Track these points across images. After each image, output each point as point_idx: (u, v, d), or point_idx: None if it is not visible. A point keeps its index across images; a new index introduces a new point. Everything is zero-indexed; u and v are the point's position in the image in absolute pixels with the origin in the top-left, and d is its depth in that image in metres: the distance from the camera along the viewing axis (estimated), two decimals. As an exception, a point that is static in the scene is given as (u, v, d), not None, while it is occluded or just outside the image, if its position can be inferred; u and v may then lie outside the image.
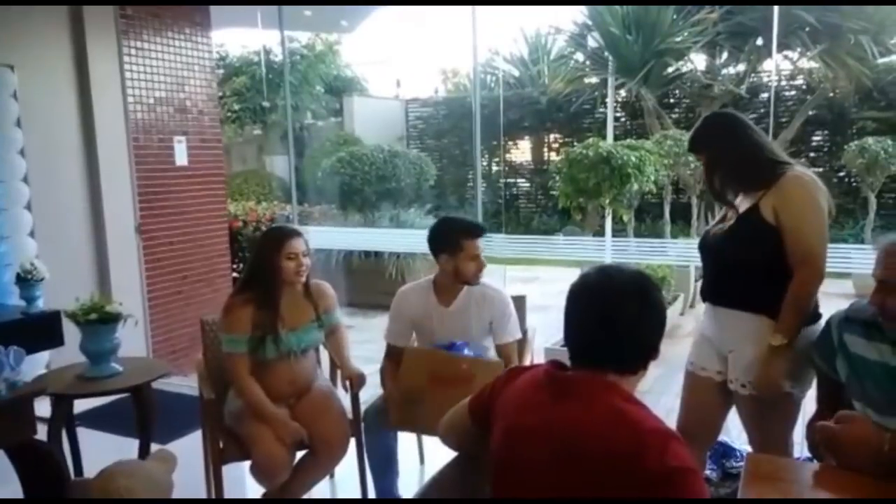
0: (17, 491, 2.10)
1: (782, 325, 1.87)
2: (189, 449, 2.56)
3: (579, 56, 8.43)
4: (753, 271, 1.93)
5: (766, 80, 8.24)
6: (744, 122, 2.01)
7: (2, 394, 1.91)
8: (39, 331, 2.85)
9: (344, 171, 7.99)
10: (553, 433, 1.21)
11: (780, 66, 7.82)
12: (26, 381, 2.07)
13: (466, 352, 2.35)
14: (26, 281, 2.94)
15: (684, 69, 7.70)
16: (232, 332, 2.34)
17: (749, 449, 2.18)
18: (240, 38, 11.14)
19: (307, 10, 5.98)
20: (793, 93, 8.49)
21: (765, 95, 8.27)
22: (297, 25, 7.66)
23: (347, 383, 2.44)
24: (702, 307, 2.21)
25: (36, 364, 3.22)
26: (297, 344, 2.39)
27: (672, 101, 9.06)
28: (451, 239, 2.40)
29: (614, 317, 1.23)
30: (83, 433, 2.80)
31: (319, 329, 2.48)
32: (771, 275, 1.90)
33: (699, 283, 5.26)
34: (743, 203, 1.99)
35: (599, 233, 4.71)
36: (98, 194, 4.15)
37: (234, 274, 5.01)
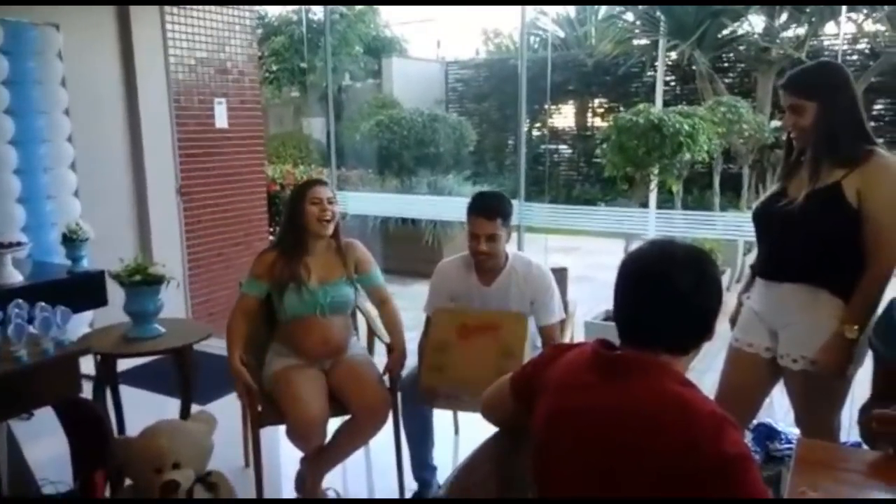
0: (63, 445, 2.15)
1: (855, 316, 1.81)
2: (227, 410, 2.60)
3: (629, 16, 8.10)
4: (823, 248, 1.85)
5: (827, 43, 7.81)
6: (853, 83, 1.89)
7: (49, 352, 1.94)
8: (84, 290, 2.89)
9: (382, 135, 7.93)
10: (601, 415, 1.17)
11: (843, 29, 7.40)
12: (72, 339, 2.11)
13: None
14: (72, 241, 2.98)
15: (741, 31, 7.35)
16: (251, 276, 2.43)
17: (794, 431, 2.12)
18: (279, -3, 11.02)
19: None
20: (855, 57, 8.05)
21: (823, 59, 7.84)
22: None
23: (393, 355, 2.43)
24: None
25: (80, 322, 3.30)
26: (324, 297, 2.38)
27: (726, 64, 8.66)
28: (467, 213, 2.35)
29: (668, 294, 1.18)
30: (125, 391, 2.87)
31: (350, 285, 2.46)
32: (840, 253, 1.83)
33: (747, 258, 5.12)
34: (822, 177, 1.86)
35: (645, 204, 4.57)
36: (140, 155, 4.19)
37: (272, 238, 5.04)
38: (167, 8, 4.24)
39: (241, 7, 4.74)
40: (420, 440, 2.43)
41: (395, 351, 2.44)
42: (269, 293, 2.44)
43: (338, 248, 2.48)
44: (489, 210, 2.30)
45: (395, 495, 2.53)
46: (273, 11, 11.17)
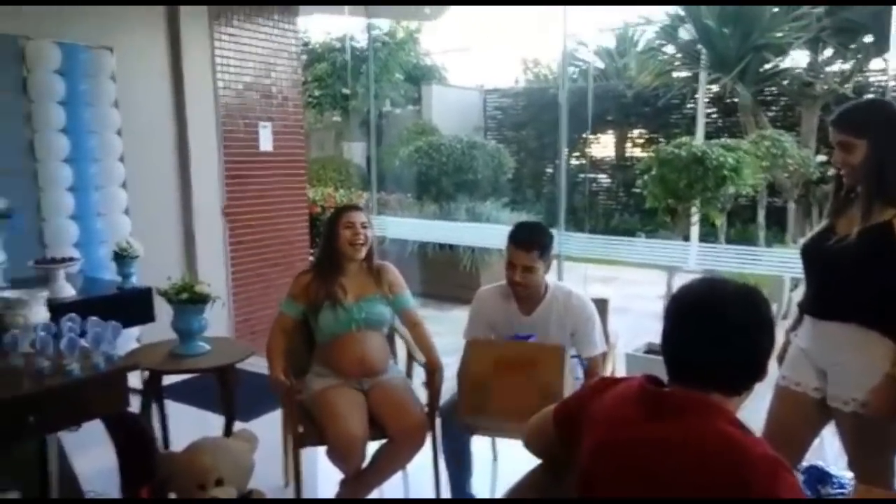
0: (109, 457, 2.18)
1: None
2: (267, 428, 2.61)
3: (670, 48, 8.10)
4: (873, 287, 1.80)
5: (873, 79, 7.68)
6: None
7: (100, 366, 1.97)
8: (133, 306, 2.96)
9: (421, 161, 8.00)
10: (649, 450, 1.15)
11: (890, 65, 7.27)
12: (121, 354, 2.14)
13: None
14: (122, 258, 3.06)
15: (783, 65, 7.28)
16: (288, 296, 2.53)
17: (848, 475, 2.04)
18: (322, 25, 11.31)
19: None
20: (902, 93, 7.89)
21: (870, 96, 7.70)
22: (381, 13, 7.71)
23: (434, 376, 2.44)
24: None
25: (128, 337, 3.37)
26: (358, 312, 2.43)
27: (769, 98, 8.57)
28: (507, 241, 2.35)
29: (721, 333, 1.16)
30: (170, 406, 2.91)
31: (385, 304, 2.51)
32: (891, 293, 1.78)
33: (794, 294, 5.00)
34: (873, 216, 1.82)
35: (687, 236, 4.51)
36: (188, 175, 4.30)
37: (312, 258, 5.10)
38: (216, 33, 4.37)
39: (287, 33, 4.87)
40: (459, 467, 2.40)
41: (433, 369, 2.45)
42: (307, 316, 2.50)
43: (370, 269, 2.54)
44: (526, 242, 2.30)
45: (433, 522, 2.51)
46: (317, 38, 11.46)
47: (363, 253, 2.49)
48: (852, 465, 1.94)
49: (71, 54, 3.59)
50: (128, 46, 3.92)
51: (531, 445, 1.51)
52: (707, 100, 7.89)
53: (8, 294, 2.27)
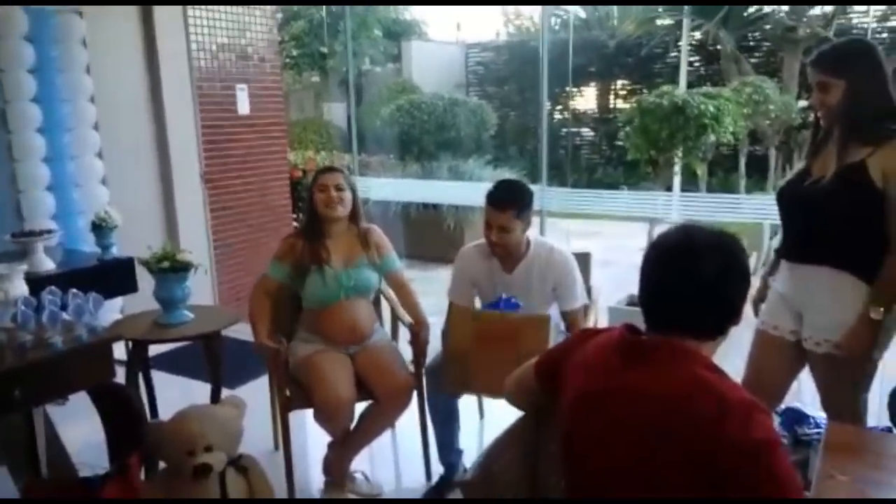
0: (98, 429, 2.20)
1: (881, 298, 1.78)
2: (255, 394, 2.64)
3: (653, -5, 7.98)
4: (847, 231, 1.82)
5: (855, 21, 7.61)
6: (885, 62, 1.84)
7: (83, 338, 1.97)
8: (114, 277, 2.94)
9: (402, 120, 7.90)
10: (629, 398, 1.17)
11: (872, 6, 7.20)
12: (104, 325, 2.14)
13: (505, 306, 2.25)
14: (101, 228, 3.03)
15: (767, 9, 7.20)
16: (274, 258, 2.53)
17: (823, 415, 2.10)
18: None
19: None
20: (885, 35, 7.84)
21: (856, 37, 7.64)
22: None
23: (420, 336, 2.45)
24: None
25: (111, 309, 3.36)
26: (347, 280, 2.43)
27: (752, 44, 8.47)
28: (485, 201, 2.34)
29: (696, 279, 1.17)
30: (156, 376, 2.91)
31: (373, 270, 2.51)
32: (864, 235, 1.80)
33: (773, 241, 5.05)
34: (849, 156, 1.82)
35: (669, 187, 4.51)
36: (165, 142, 4.22)
37: (296, 224, 5.07)
38: (188, -6, 4.24)
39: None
40: (446, 424, 2.44)
41: (419, 328, 2.47)
42: (292, 279, 2.49)
43: (357, 232, 2.53)
44: (501, 202, 2.28)
45: (422, 479, 2.56)
46: (292, -4, 11.13)
47: (339, 211, 2.47)
48: (824, 404, 2.00)
49: (38, 19, 3.47)
50: (97, 10, 3.77)
51: (513, 398, 1.53)
52: (690, 47, 7.80)
53: (-15, 269, 2.24)
